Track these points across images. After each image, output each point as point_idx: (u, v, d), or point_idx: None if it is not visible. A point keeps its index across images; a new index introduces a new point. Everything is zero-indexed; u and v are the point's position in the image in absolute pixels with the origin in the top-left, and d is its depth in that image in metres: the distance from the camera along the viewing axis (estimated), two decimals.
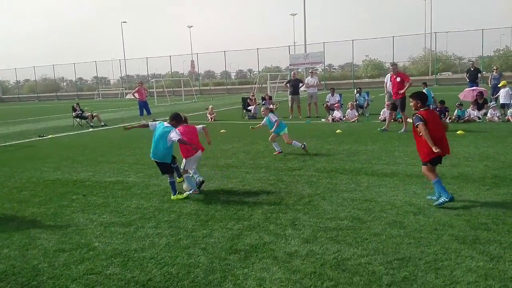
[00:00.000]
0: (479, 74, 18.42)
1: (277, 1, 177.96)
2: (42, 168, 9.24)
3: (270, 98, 19.24)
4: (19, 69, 74.86)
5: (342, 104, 17.22)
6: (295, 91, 17.80)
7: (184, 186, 6.59)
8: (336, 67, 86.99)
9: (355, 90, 18.58)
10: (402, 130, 12.11)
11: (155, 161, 6.45)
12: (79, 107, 17.92)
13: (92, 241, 4.75)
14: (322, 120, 16.53)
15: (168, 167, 6.39)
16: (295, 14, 72.79)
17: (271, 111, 10.22)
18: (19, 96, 72.06)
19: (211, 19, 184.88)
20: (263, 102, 18.92)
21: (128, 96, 58.82)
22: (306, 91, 18.50)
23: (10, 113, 32.77)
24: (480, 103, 15.16)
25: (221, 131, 14.34)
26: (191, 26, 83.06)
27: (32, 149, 12.34)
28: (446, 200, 5.17)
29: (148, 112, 19.34)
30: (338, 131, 12.92)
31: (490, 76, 18.61)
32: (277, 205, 5.73)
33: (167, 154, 6.31)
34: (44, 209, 6.08)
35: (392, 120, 13.07)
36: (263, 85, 46.32)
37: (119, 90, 62.62)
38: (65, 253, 4.42)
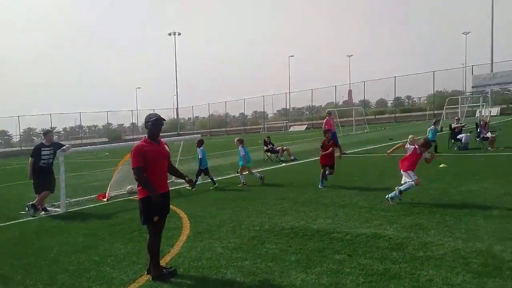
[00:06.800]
0: None
1: (440, 22, 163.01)
2: (266, 211, 8.13)
3: (486, 124, 16.02)
4: (195, 106, 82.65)
5: None
6: None
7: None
8: None
9: None
10: None
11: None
12: (269, 141, 17.33)
13: None
14: None
15: None
16: (468, 32, 65.78)
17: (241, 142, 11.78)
18: (193, 131, 78.88)
19: (369, 47, 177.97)
20: (478, 130, 15.86)
21: (291, 129, 59.48)
22: None
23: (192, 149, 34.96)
24: None
25: (441, 166, 11.88)
26: (351, 55, 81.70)
27: (235, 186, 11.63)
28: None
29: (337, 143, 17.83)
30: None
31: None
32: None
33: None
34: (314, 277, 4.63)
35: None
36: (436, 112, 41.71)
37: (283, 123, 63.76)
38: None
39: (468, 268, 4.48)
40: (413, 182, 7.65)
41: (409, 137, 16.90)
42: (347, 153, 17.74)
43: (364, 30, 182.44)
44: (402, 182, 7.82)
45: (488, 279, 4.14)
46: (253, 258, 5.41)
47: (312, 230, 6.51)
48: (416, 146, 7.87)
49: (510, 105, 40.07)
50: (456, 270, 4.46)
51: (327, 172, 10.26)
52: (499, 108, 40.50)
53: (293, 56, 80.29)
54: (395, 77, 53.52)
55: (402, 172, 7.94)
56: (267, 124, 67.41)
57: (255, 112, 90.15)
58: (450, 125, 16.96)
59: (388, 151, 8.56)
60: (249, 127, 73.53)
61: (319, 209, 7.86)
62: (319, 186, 10.07)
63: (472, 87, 40.80)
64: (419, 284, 4.20)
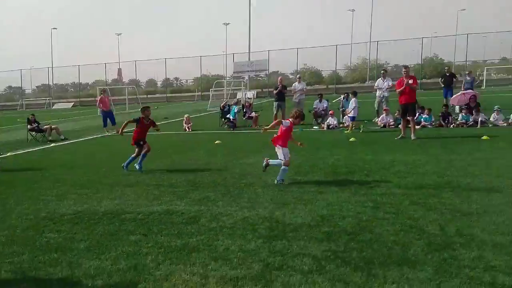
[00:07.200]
0: (453, 79, 18.52)
1: (203, 11, 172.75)
2: (39, 196, 7.11)
3: (250, 105, 17.88)
4: None
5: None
6: (282, 97, 16.70)
7: None
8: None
9: (342, 96, 17.68)
10: (414, 137, 11.47)
11: None
12: (34, 119, 15.19)
13: None
14: (314, 128, 15.51)
15: None
16: (228, 23, 72.21)
17: None
18: None
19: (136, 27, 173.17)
20: (244, 110, 17.55)
21: (55, 106, 53.93)
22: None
23: None
24: (473, 106, 15.02)
25: (216, 142, 12.69)
26: (120, 34, 78.77)
27: None
28: None
29: (113, 122, 17.02)
30: (352, 139, 11.94)
31: (463, 81, 19.02)
32: None
33: None
34: (109, 263, 4.25)
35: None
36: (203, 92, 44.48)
37: (46, 100, 57.21)
38: None
39: (258, 234, 4.85)
40: (282, 162, 7.18)
41: (185, 116, 17.63)
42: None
43: (137, 12, 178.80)
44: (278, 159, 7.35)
45: (276, 242, 4.57)
46: (32, 251, 4.63)
47: (99, 213, 6.00)
48: (290, 120, 7.34)
49: (264, 90, 46.00)
50: (248, 237, 4.78)
51: (143, 151, 8.92)
52: (255, 92, 46.11)
53: (56, 28, 71.79)
54: (165, 59, 54.65)
55: (276, 148, 7.31)
56: (25, 101, 59.23)
57: (9, 87, 79.16)
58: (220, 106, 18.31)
59: (265, 127, 7.64)
60: (2, 103, 63.36)
61: (104, 190, 7.33)
62: (137, 167, 8.80)
63: (234, 72, 45.10)
64: (218, 254, 4.33)
